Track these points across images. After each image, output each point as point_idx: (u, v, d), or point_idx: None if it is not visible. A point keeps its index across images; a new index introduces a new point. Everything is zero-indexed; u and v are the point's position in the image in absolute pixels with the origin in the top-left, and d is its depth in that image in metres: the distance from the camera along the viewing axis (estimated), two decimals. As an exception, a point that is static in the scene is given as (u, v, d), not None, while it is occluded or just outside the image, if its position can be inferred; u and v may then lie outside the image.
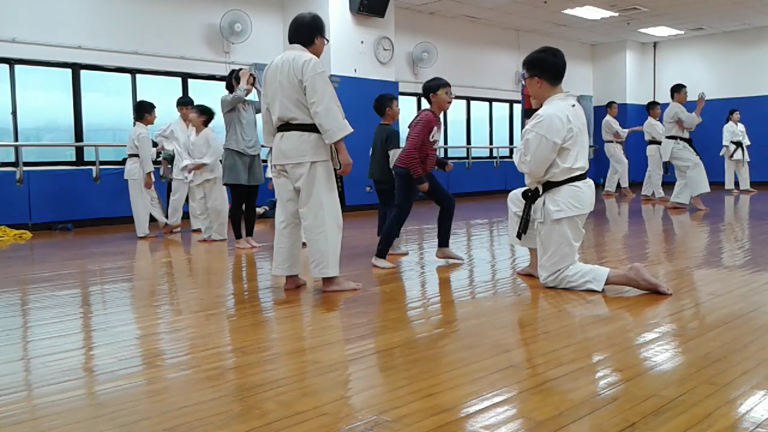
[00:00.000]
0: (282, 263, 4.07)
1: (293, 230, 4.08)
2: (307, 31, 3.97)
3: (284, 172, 4.01)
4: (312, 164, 3.90)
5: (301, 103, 3.85)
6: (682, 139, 9.00)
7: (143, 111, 7.52)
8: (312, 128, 3.89)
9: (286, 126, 3.94)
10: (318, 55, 3.99)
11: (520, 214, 4.13)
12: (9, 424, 2.04)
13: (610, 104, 12.44)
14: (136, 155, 7.41)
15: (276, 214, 4.13)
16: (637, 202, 10.98)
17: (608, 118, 12.19)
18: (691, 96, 9.23)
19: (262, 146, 6.16)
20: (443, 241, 5.19)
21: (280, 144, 3.97)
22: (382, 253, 5.00)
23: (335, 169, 4.03)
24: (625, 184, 12.35)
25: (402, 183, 5.00)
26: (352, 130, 3.88)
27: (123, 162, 9.07)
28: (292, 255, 4.08)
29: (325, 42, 4.03)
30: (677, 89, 9.19)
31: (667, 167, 11.05)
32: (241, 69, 6.29)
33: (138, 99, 9.36)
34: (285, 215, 4.06)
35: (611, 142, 12.17)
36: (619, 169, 12.27)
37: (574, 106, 3.92)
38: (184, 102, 7.93)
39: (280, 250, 4.07)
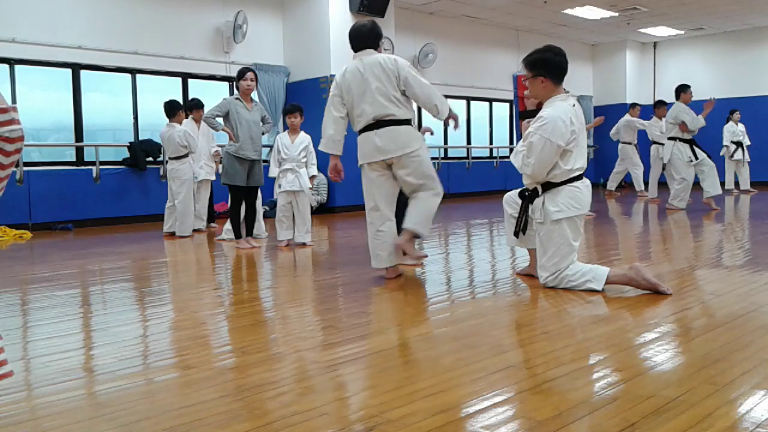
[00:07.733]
0: (389, 255, 4.32)
1: (392, 224, 4.35)
2: (374, 36, 4.43)
3: (386, 168, 4.27)
4: (418, 149, 4.24)
5: (396, 99, 4.20)
6: (682, 140, 8.83)
7: (176, 110, 7.55)
8: (405, 122, 4.24)
9: (378, 123, 4.19)
10: None
11: (516, 216, 4.13)
12: (9, 424, 2.04)
13: (634, 105, 11.78)
14: (181, 156, 7.47)
15: (373, 215, 4.31)
16: (632, 201, 10.98)
17: (629, 117, 11.49)
18: (696, 96, 9.15)
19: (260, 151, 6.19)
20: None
21: (375, 141, 4.21)
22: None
23: None
24: (640, 186, 11.72)
25: None
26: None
27: (123, 162, 9.10)
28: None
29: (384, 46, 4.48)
30: (683, 89, 8.97)
31: (664, 168, 10.98)
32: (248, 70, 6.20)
33: (137, 99, 9.40)
34: (385, 211, 4.30)
35: (630, 144, 11.52)
36: (637, 172, 11.60)
37: (574, 106, 3.91)
38: (196, 105, 7.93)
39: (384, 244, 4.30)
